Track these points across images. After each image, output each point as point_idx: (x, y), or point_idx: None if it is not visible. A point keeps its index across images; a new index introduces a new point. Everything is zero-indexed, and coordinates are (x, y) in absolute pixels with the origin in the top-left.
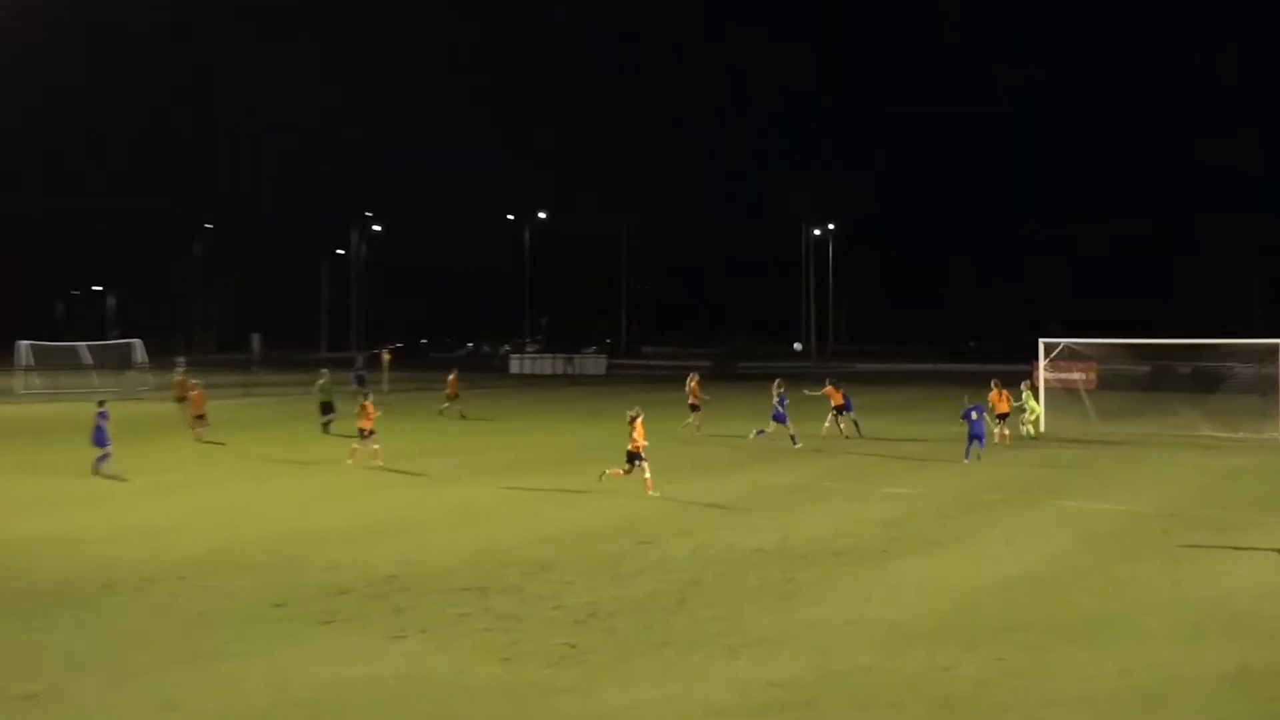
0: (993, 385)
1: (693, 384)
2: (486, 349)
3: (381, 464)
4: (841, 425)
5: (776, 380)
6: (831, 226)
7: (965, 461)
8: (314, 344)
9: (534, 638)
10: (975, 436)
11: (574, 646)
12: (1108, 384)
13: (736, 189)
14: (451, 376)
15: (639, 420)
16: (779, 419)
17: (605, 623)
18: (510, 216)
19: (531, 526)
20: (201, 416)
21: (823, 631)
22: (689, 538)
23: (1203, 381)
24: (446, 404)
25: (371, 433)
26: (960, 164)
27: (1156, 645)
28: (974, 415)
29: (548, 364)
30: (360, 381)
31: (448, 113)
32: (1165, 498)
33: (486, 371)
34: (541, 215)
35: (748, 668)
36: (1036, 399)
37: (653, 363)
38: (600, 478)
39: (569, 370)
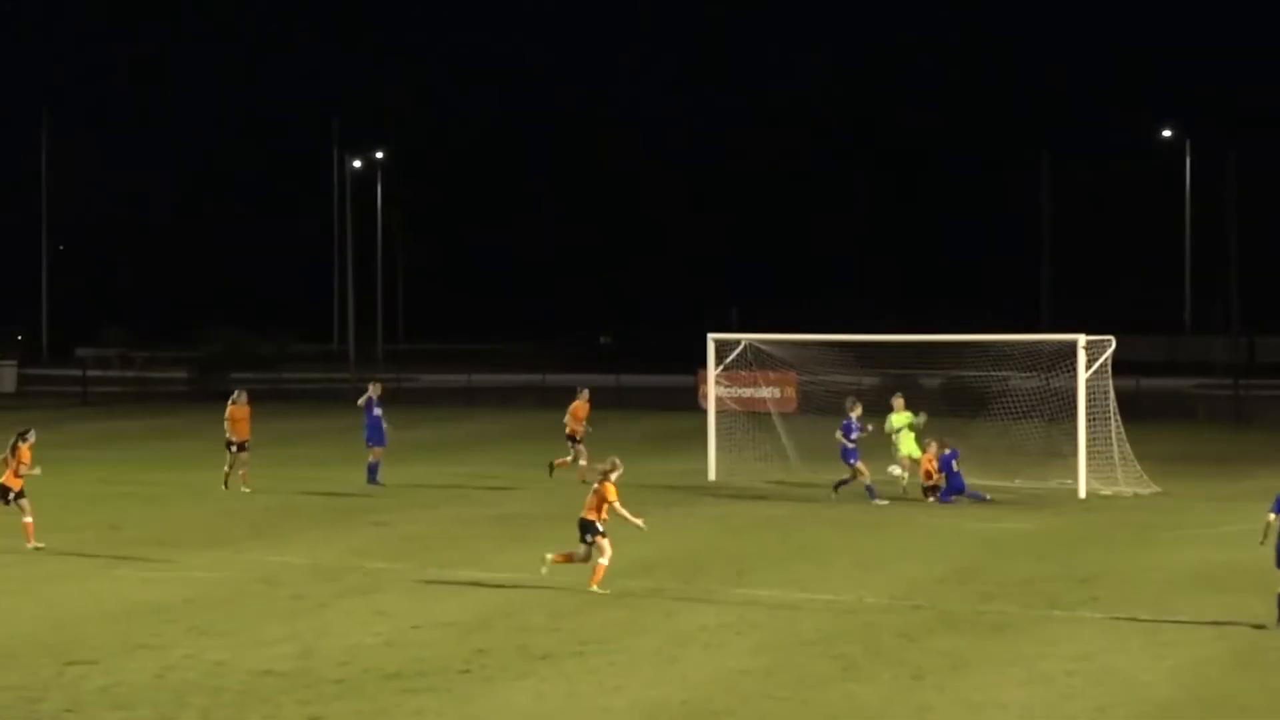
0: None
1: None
2: None
3: (38, 545)
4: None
5: (850, 398)
6: (380, 155)
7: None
8: None
9: None
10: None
11: None
12: (814, 405)
13: (232, 95)
14: None
15: (614, 476)
16: (849, 457)
17: None
18: None
19: None
20: None
21: None
22: (153, 653)
23: (960, 399)
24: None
25: (20, 495)
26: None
27: None
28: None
29: None
30: None
31: None
32: (905, 582)
33: None
34: None
35: None
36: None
37: (89, 373)
38: (544, 568)
39: None
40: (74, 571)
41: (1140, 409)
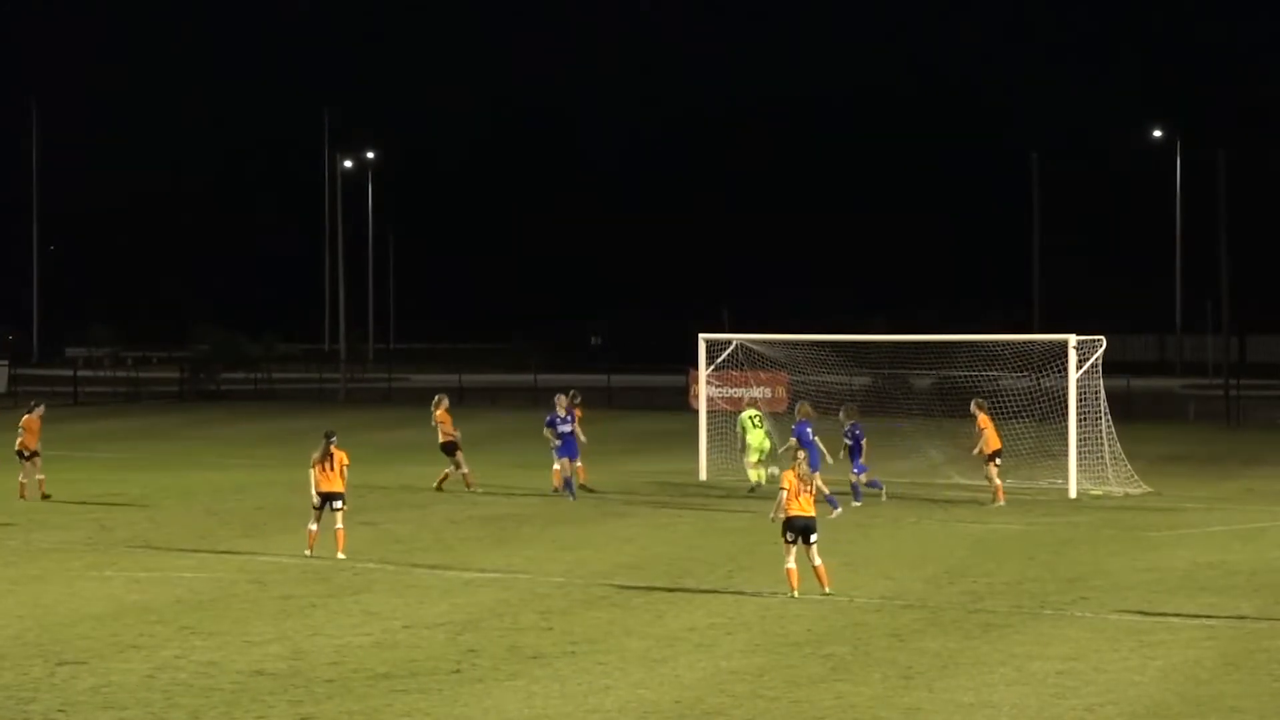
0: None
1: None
2: None
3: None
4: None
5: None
6: (371, 155)
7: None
8: None
9: None
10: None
11: None
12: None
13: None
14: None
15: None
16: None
17: None
18: None
19: None
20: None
21: None
22: (144, 654)
23: (951, 399)
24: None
25: (34, 454)
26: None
27: None
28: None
29: None
30: None
31: None
32: (894, 583)
33: None
34: None
35: None
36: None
37: (80, 373)
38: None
39: None
40: (64, 572)
41: (1131, 409)
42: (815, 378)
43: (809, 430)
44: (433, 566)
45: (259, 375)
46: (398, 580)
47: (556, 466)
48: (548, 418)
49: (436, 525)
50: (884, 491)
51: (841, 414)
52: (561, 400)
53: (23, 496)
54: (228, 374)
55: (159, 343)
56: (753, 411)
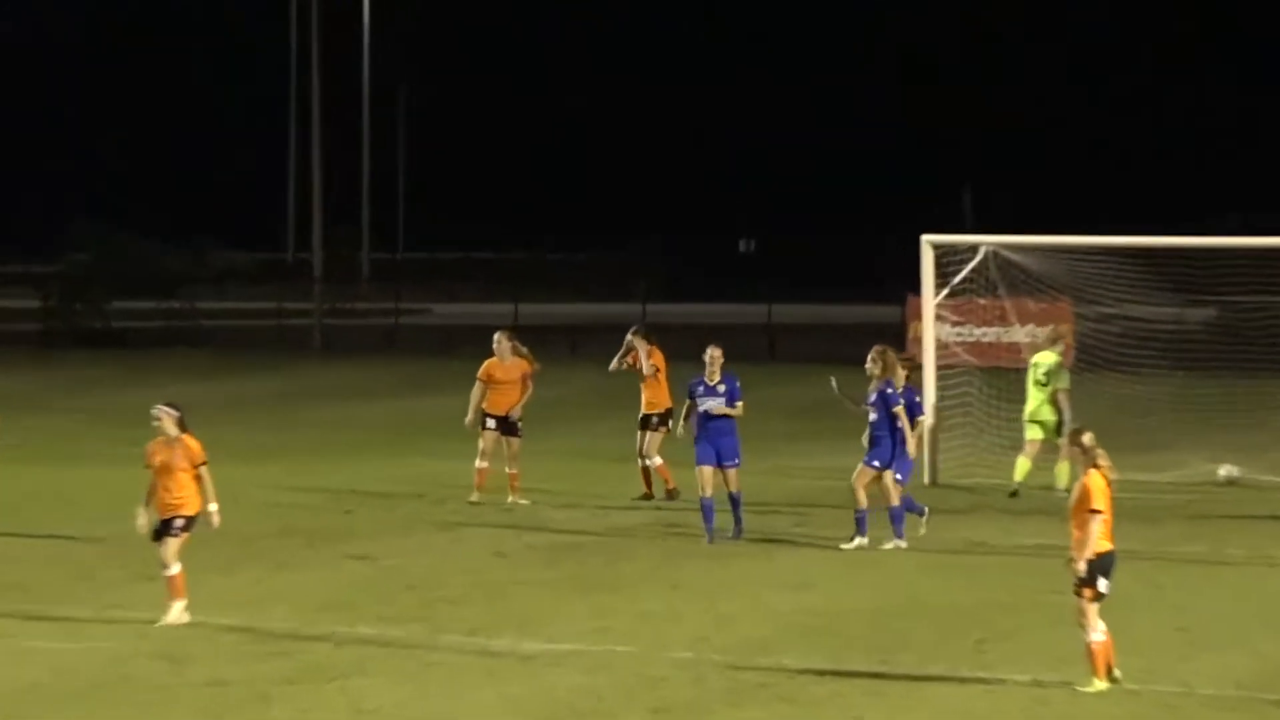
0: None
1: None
2: None
3: None
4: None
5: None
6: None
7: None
8: None
9: None
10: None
11: None
12: (1096, 357)
13: None
14: None
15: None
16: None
17: None
18: None
19: None
20: None
21: None
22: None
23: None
24: None
25: None
26: None
27: None
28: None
29: None
30: None
31: None
32: (1264, 660)
33: None
34: None
35: None
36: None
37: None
38: None
39: None
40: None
41: None
42: (1116, 311)
43: (915, 398)
44: (469, 633)
45: (178, 305)
46: (410, 658)
47: (659, 461)
48: (690, 382)
49: (472, 559)
50: (925, 519)
51: (869, 363)
52: (715, 354)
53: None
54: (122, 302)
55: (13, 253)
56: (1048, 358)
